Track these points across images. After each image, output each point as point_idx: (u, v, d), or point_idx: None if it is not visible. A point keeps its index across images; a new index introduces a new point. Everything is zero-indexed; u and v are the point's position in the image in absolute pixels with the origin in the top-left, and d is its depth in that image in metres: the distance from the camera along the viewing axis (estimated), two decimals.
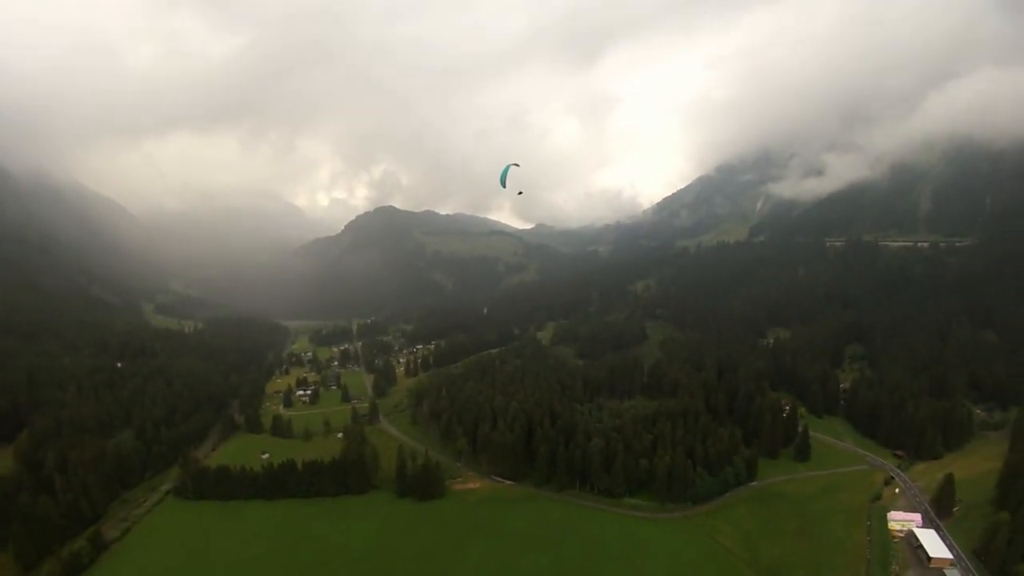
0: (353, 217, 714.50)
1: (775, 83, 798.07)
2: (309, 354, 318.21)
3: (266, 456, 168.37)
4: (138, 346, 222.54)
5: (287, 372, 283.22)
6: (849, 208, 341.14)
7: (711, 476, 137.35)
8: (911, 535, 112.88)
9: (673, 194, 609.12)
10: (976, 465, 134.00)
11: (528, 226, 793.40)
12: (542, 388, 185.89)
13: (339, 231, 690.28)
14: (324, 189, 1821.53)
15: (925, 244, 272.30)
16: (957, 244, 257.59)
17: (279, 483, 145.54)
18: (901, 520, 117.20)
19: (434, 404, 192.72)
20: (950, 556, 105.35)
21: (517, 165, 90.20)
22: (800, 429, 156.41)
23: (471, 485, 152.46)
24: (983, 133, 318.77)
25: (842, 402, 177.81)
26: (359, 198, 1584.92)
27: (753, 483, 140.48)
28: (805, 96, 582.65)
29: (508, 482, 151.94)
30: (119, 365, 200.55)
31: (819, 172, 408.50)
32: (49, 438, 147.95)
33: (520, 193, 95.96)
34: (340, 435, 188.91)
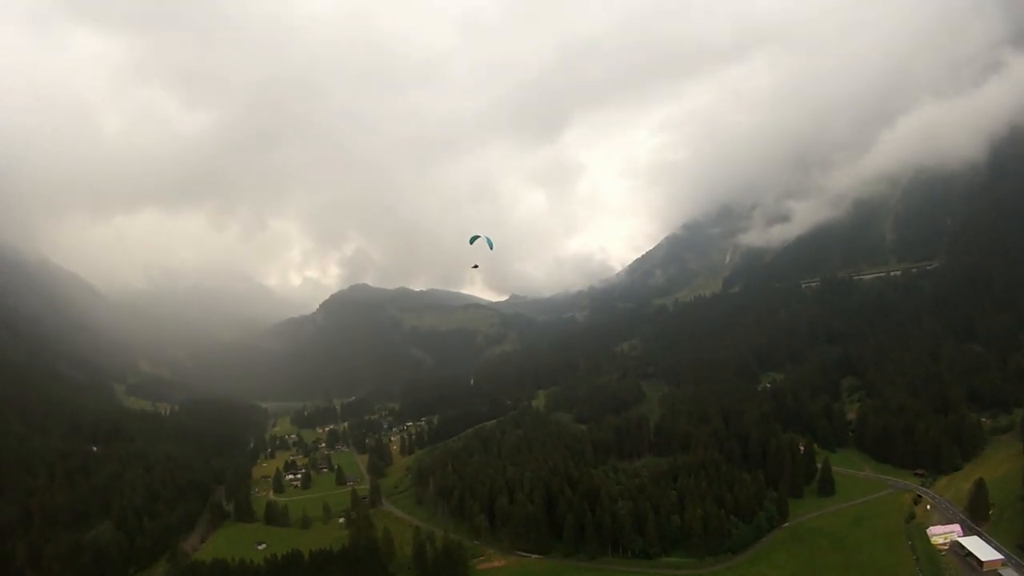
0: (326, 296, 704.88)
1: (725, 140, 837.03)
2: (294, 436, 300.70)
3: (262, 547, 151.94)
4: (112, 428, 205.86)
5: (272, 456, 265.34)
6: (818, 248, 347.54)
7: (745, 523, 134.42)
8: (956, 545, 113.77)
9: (644, 255, 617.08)
10: (996, 469, 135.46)
11: (502, 297, 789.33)
12: (551, 455, 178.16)
13: (312, 310, 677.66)
14: (295, 268, 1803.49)
15: (897, 272, 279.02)
16: (927, 268, 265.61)
17: None
18: (942, 533, 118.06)
19: (441, 481, 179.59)
20: (1001, 557, 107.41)
21: (490, 246, 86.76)
22: (820, 464, 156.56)
23: (496, 564, 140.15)
24: (934, 160, 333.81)
25: (851, 433, 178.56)
26: (331, 276, 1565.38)
27: (785, 524, 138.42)
28: (756, 149, 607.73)
29: (534, 556, 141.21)
30: (94, 449, 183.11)
31: (784, 218, 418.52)
32: (18, 529, 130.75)
33: (476, 267, 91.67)
34: (341, 520, 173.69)
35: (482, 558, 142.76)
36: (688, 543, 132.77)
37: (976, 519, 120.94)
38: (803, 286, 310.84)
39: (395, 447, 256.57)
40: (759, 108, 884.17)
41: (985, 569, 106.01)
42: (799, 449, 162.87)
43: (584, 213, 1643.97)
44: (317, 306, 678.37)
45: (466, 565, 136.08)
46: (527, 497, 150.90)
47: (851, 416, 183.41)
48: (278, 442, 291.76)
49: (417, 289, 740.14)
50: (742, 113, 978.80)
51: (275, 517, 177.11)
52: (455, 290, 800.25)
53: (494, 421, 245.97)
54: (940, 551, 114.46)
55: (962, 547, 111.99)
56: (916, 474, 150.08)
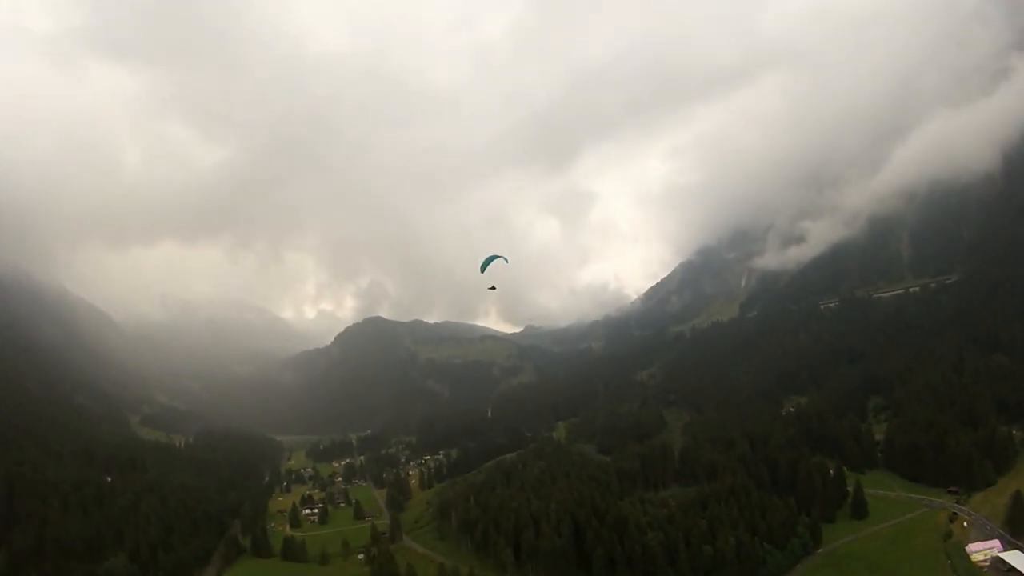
0: (341, 328, 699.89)
1: (737, 163, 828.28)
2: (309, 470, 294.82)
3: None
4: (127, 459, 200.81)
5: (288, 489, 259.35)
6: (835, 268, 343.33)
7: (778, 550, 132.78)
8: (998, 561, 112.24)
9: (659, 282, 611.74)
10: None
11: (517, 329, 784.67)
12: (576, 487, 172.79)
13: (327, 343, 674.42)
14: (310, 301, 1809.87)
15: (915, 288, 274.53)
16: (946, 282, 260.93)
17: None
18: (981, 550, 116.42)
19: (464, 515, 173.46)
20: None
21: (505, 260, 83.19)
22: (851, 487, 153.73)
23: None
24: (947, 172, 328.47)
25: (879, 453, 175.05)
26: (346, 309, 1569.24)
27: (820, 550, 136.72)
28: (768, 171, 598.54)
29: None
30: (108, 479, 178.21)
31: (799, 239, 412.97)
32: (30, 559, 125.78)
33: (493, 288, 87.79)
34: (361, 557, 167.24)
35: None
36: (721, 573, 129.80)
37: (1015, 533, 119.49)
38: (821, 307, 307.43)
39: (414, 481, 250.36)
40: (769, 129, 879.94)
41: None
42: (829, 472, 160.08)
43: (597, 242, 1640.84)
44: (332, 339, 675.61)
45: None
46: (554, 530, 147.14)
47: (879, 436, 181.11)
48: (294, 476, 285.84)
49: (432, 321, 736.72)
50: (752, 135, 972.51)
51: (293, 553, 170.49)
52: (470, 322, 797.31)
53: (515, 453, 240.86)
54: (981, 568, 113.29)
55: (1004, 562, 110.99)
56: (950, 491, 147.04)
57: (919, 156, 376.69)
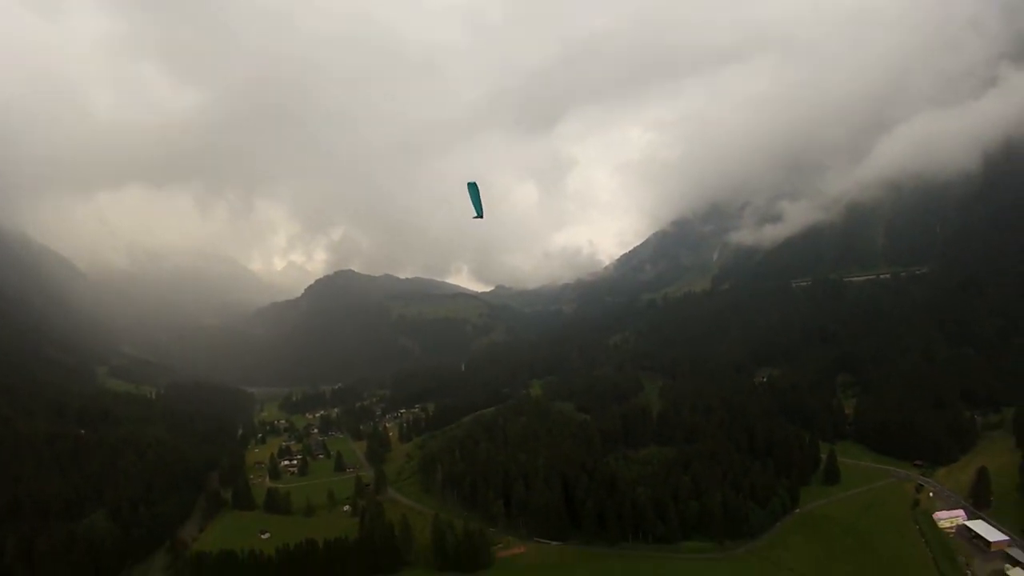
0: (310, 281, 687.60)
1: (719, 141, 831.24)
2: (283, 422, 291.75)
3: (266, 536, 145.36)
4: (99, 412, 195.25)
5: (264, 441, 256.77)
6: (809, 250, 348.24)
7: (760, 508, 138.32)
8: (963, 528, 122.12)
9: (633, 250, 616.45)
10: (990, 461, 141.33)
11: (487, 288, 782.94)
12: (561, 444, 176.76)
13: (297, 295, 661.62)
14: (280, 252, 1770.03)
15: (887, 276, 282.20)
16: (917, 273, 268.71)
17: (299, 568, 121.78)
18: (948, 518, 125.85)
19: (450, 469, 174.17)
20: (1007, 538, 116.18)
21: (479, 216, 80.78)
22: (825, 455, 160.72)
23: (516, 550, 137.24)
24: (928, 168, 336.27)
25: (849, 426, 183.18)
26: (317, 261, 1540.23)
27: (797, 510, 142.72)
28: (750, 150, 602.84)
29: (554, 543, 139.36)
30: (82, 432, 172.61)
31: (776, 218, 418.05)
32: (7, 520, 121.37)
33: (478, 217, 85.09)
34: (346, 508, 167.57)
35: (500, 545, 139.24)
36: (707, 528, 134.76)
37: (979, 505, 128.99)
38: (794, 285, 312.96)
39: (392, 434, 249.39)
40: (755, 111, 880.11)
41: (992, 549, 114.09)
42: (805, 440, 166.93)
43: (573, 207, 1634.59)
44: (302, 291, 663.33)
45: (489, 552, 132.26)
46: (544, 484, 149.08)
47: (848, 411, 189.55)
48: (268, 427, 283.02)
49: (403, 277, 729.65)
50: (737, 115, 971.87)
51: (276, 505, 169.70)
52: (440, 279, 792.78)
53: (492, 409, 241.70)
54: (948, 534, 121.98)
55: (969, 530, 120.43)
56: (915, 464, 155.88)
57: (902, 150, 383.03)
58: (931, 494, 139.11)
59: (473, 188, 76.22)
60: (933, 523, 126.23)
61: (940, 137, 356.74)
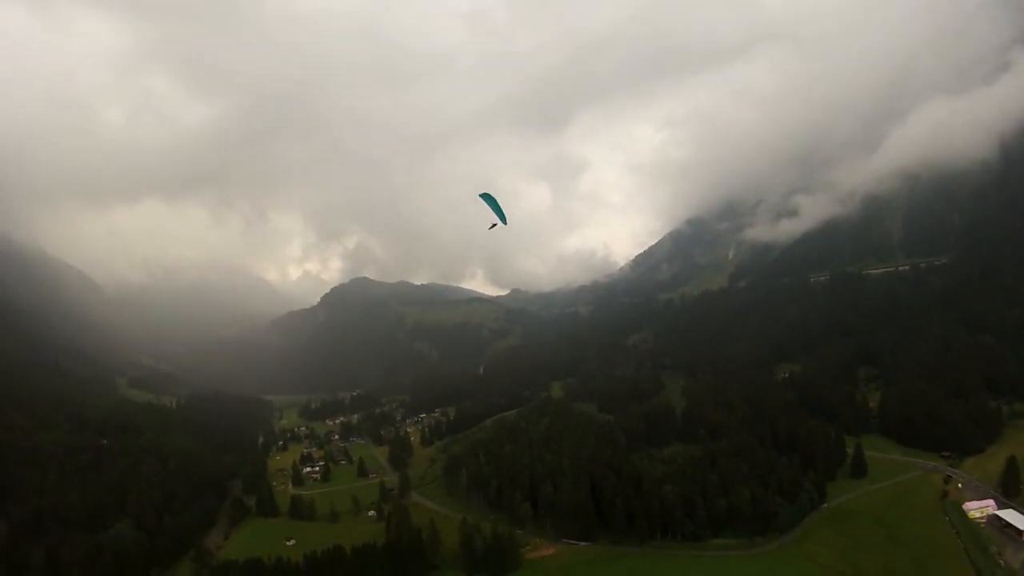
0: (326, 290, 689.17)
1: (731, 137, 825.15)
2: (304, 429, 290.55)
3: (292, 542, 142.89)
4: (120, 422, 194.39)
5: (285, 448, 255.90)
6: (826, 244, 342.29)
7: (789, 504, 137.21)
8: (994, 518, 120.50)
9: (647, 249, 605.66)
10: (1018, 450, 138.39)
11: (502, 292, 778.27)
12: (585, 444, 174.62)
13: (312, 304, 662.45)
14: (295, 262, 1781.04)
15: (905, 267, 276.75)
16: (935, 263, 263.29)
17: (327, 574, 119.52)
18: (978, 508, 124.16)
19: (475, 471, 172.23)
20: None
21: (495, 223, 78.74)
22: (851, 449, 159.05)
23: (545, 552, 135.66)
24: (943, 157, 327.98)
25: (873, 419, 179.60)
26: (332, 270, 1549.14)
27: (825, 505, 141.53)
28: (762, 146, 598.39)
29: (583, 543, 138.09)
30: (104, 443, 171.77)
31: (792, 213, 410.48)
32: (31, 531, 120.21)
33: (494, 226, 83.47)
34: (371, 514, 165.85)
35: (528, 547, 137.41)
36: (736, 525, 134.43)
37: (1008, 494, 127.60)
38: (812, 280, 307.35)
39: (414, 438, 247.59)
40: (766, 106, 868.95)
41: None
42: (830, 434, 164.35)
43: (586, 209, 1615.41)
44: (317, 300, 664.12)
45: (517, 554, 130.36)
46: (572, 484, 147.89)
47: (872, 404, 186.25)
48: (289, 434, 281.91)
49: (418, 283, 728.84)
50: (748, 110, 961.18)
51: (301, 511, 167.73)
52: (455, 284, 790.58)
53: (514, 411, 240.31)
54: (979, 524, 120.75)
55: (1000, 519, 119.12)
56: (942, 456, 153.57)
57: (916, 140, 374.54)
58: (960, 485, 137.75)
59: (489, 198, 73.91)
60: (963, 514, 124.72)
61: (954, 125, 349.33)
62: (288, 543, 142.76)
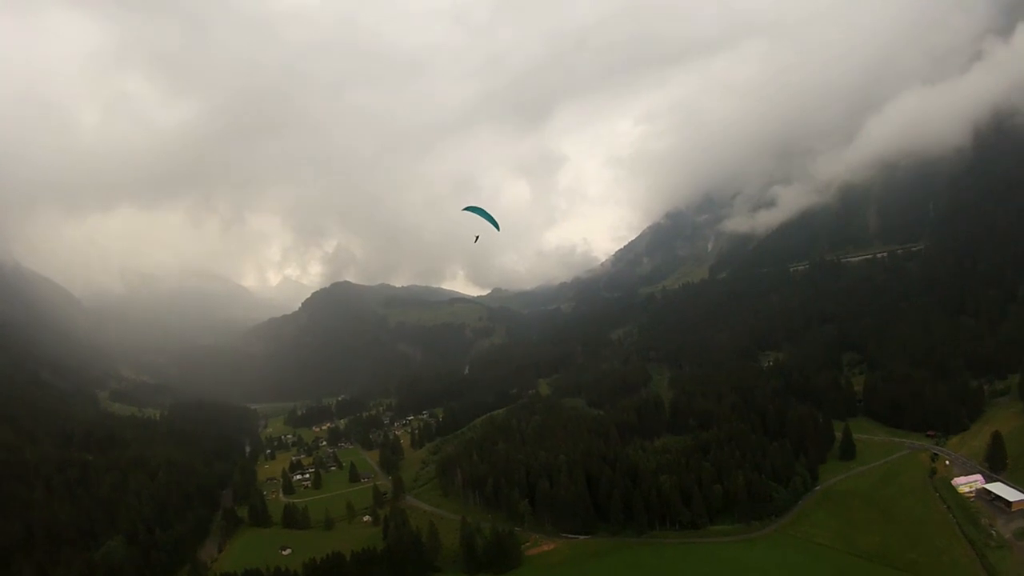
0: (306, 295, 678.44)
1: (709, 129, 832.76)
2: (291, 436, 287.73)
3: (287, 552, 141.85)
4: (106, 435, 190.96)
5: (273, 456, 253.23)
6: (804, 234, 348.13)
7: (784, 488, 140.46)
8: (983, 491, 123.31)
9: (628, 244, 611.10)
10: (1001, 426, 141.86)
11: (484, 292, 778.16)
12: (578, 439, 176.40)
13: (293, 310, 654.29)
14: (274, 267, 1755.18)
15: (883, 254, 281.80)
16: (912, 249, 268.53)
17: None
18: (966, 483, 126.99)
19: (470, 471, 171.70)
20: None
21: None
22: (840, 432, 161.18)
23: (545, 547, 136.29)
24: (918, 146, 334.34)
25: (859, 403, 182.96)
26: (312, 275, 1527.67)
27: (817, 487, 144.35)
28: (741, 138, 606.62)
29: (582, 537, 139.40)
30: (90, 458, 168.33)
31: (769, 204, 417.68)
32: (20, 549, 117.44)
33: (477, 238, 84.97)
34: (366, 519, 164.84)
35: (528, 544, 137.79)
36: (732, 511, 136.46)
37: (995, 468, 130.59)
38: (791, 270, 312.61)
39: (404, 441, 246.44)
40: (744, 98, 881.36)
41: (1014, 509, 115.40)
42: (818, 419, 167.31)
43: (566, 204, 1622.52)
44: (298, 305, 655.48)
45: (518, 552, 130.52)
46: (568, 479, 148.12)
47: (856, 388, 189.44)
48: (276, 443, 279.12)
49: (399, 285, 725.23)
50: (727, 103, 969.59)
51: (295, 519, 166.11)
52: (436, 285, 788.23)
53: (503, 410, 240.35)
54: (968, 498, 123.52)
55: (989, 492, 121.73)
56: (928, 435, 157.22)
57: (892, 129, 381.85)
58: (947, 462, 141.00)
59: (476, 209, 74.13)
60: (952, 489, 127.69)
61: (929, 114, 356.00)
62: (284, 552, 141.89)
